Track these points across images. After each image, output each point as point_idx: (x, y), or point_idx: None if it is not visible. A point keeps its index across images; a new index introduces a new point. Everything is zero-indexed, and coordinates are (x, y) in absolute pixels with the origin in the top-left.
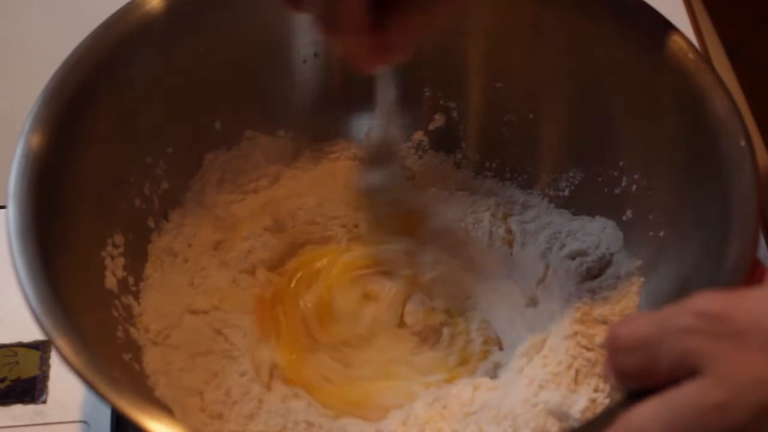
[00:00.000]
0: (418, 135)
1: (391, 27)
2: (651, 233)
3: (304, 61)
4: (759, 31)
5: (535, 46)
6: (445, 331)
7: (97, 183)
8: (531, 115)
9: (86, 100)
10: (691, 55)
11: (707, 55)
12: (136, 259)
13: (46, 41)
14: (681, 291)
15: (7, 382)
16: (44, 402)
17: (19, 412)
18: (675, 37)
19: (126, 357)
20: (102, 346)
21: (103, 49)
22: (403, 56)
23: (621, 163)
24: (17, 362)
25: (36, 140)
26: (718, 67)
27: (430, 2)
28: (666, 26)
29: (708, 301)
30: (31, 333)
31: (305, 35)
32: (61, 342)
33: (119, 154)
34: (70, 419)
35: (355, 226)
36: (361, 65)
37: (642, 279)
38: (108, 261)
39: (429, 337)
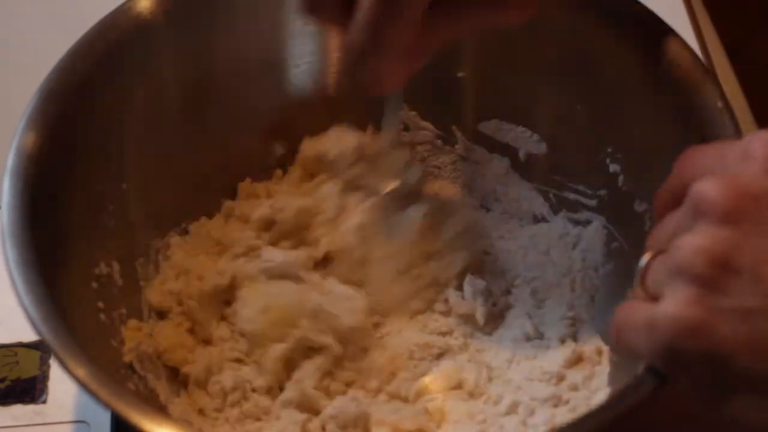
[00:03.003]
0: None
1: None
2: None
3: (297, 66)
4: (759, 31)
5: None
6: None
7: (92, 186)
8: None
9: (80, 101)
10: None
11: (707, 55)
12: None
13: (42, 40)
14: None
15: (7, 382)
16: (44, 402)
17: (19, 412)
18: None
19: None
20: (100, 349)
21: (97, 51)
22: (423, 63)
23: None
24: (17, 362)
25: (30, 141)
26: (718, 67)
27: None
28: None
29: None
30: (31, 333)
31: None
32: (61, 351)
33: (114, 154)
34: (70, 419)
35: None
36: (382, 80)
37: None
38: (103, 263)
39: None
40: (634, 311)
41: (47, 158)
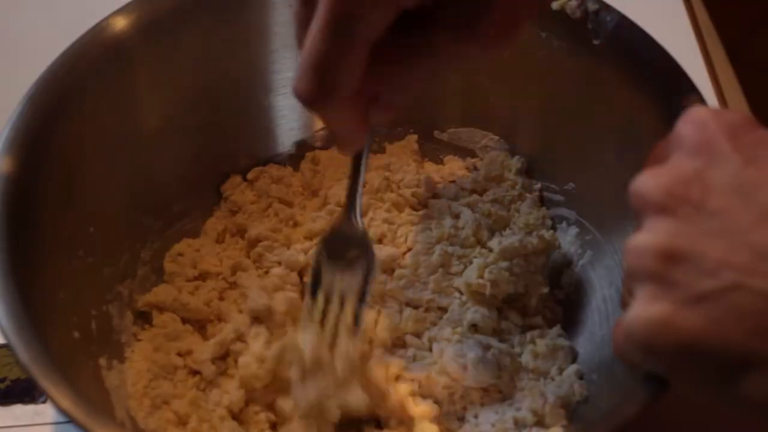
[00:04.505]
0: None
1: (381, 75)
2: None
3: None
4: (759, 31)
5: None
6: None
7: (73, 211)
8: None
9: (57, 123)
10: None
11: (707, 55)
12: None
13: (42, 40)
14: None
15: (7, 382)
16: (44, 402)
17: (19, 411)
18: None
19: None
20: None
21: (71, 74)
22: (392, 114)
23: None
24: (17, 362)
25: (6, 165)
26: (718, 67)
27: (438, 42)
28: None
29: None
30: None
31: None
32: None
33: (94, 178)
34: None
35: None
36: (350, 131)
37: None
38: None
39: None
40: (617, 326)
41: (24, 179)
